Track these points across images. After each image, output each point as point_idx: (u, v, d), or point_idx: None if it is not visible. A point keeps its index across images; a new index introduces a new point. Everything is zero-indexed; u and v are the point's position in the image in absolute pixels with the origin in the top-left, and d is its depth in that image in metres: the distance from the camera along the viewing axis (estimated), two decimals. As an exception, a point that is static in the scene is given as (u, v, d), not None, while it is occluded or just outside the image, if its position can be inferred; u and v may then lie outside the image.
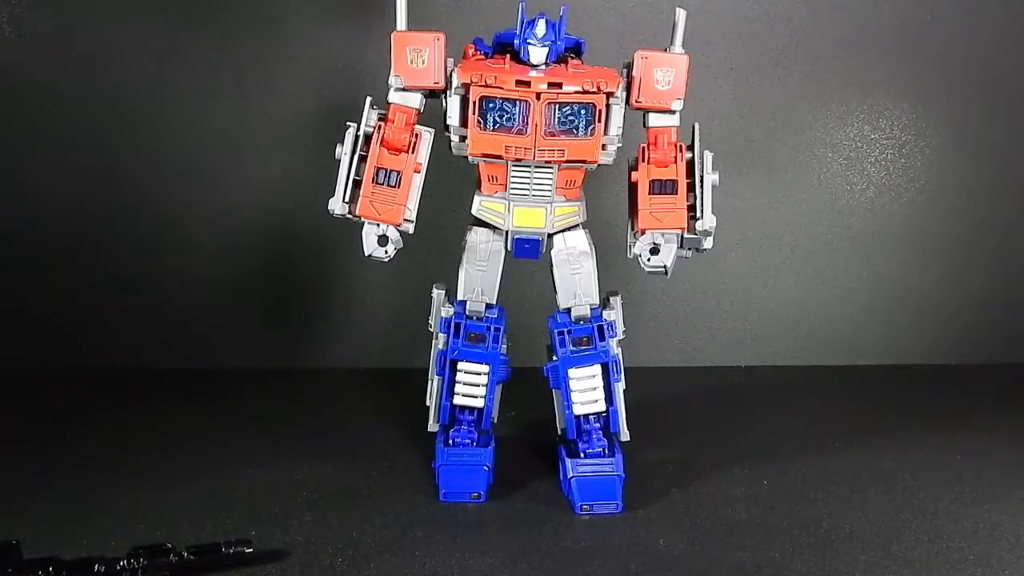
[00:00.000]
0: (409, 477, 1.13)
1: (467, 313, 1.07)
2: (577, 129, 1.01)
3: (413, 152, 1.04)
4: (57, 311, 1.48)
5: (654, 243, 1.02)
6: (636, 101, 1.02)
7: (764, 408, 1.42)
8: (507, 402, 1.14)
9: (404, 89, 1.03)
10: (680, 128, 1.04)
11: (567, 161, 1.02)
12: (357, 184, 1.02)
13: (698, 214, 1.02)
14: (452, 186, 1.22)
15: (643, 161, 1.04)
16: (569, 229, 1.07)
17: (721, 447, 1.24)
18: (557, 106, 1.00)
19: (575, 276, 1.07)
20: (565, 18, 1.01)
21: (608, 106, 1.01)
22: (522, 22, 1.01)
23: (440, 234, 1.37)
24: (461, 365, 1.07)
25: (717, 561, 0.95)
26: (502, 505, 1.07)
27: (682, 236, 1.03)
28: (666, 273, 1.04)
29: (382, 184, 1.03)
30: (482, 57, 1.05)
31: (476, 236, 1.08)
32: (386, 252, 1.04)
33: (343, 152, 1.02)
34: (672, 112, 1.03)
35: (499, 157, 1.02)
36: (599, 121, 1.00)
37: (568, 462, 1.07)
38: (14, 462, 1.13)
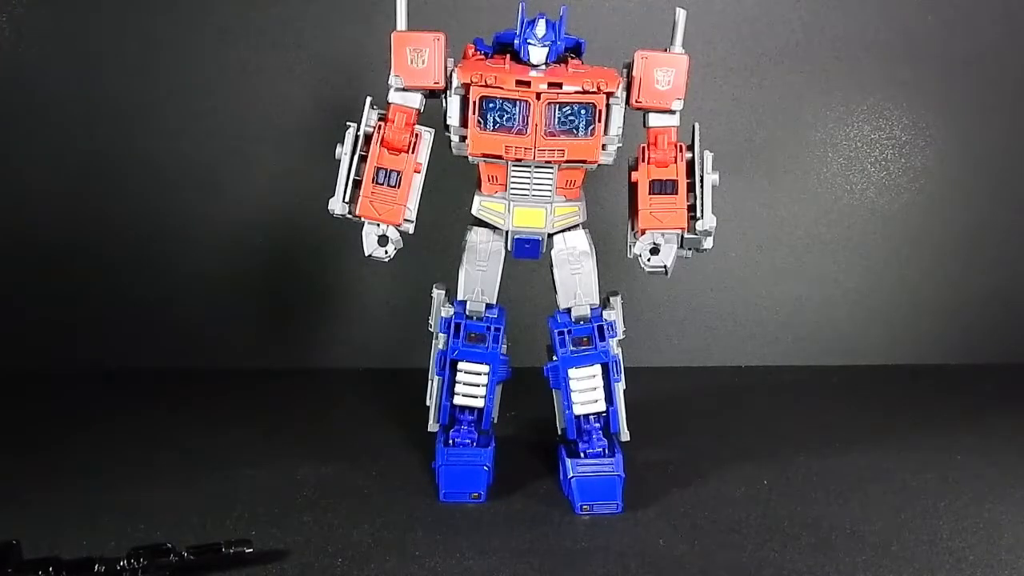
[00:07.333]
0: (409, 477, 1.13)
1: (467, 313, 1.07)
2: (577, 129, 1.01)
3: (413, 152, 1.04)
4: (57, 311, 1.48)
5: (654, 243, 1.02)
6: (636, 101, 1.02)
7: (764, 408, 1.42)
8: (507, 402, 1.14)
9: (404, 89, 1.02)
10: (680, 128, 1.04)
11: (567, 161, 1.02)
12: (357, 184, 1.02)
13: (698, 214, 1.02)
14: (452, 186, 1.22)
15: (643, 161, 1.04)
16: (569, 229, 1.07)
17: (721, 447, 1.24)
18: (557, 106, 1.00)
19: (575, 276, 1.07)
20: (565, 18, 1.01)
21: (608, 106, 1.01)
22: (522, 22, 1.01)
23: (440, 234, 1.37)
24: (461, 365, 1.07)
25: (717, 561, 0.95)
26: (502, 505, 1.07)
27: (682, 236, 1.03)
28: (666, 273, 1.04)
29: (382, 184, 1.03)
30: (482, 57, 1.05)
31: (476, 236, 1.08)
32: (386, 252, 1.04)
33: (343, 152, 1.02)
34: (672, 112, 1.03)
35: (499, 157, 1.02)
36: (599, 121, 1.00)
37: (568, 462, 1.07)
38: (14, 462, 1.13)
